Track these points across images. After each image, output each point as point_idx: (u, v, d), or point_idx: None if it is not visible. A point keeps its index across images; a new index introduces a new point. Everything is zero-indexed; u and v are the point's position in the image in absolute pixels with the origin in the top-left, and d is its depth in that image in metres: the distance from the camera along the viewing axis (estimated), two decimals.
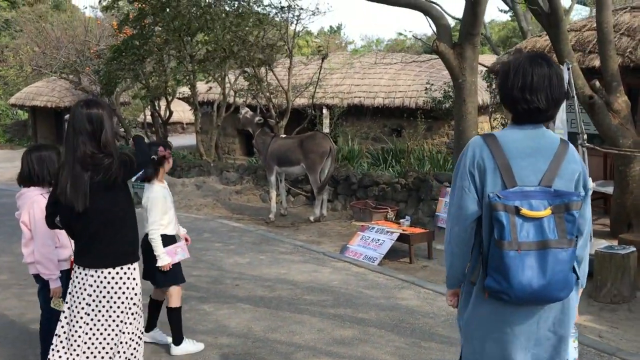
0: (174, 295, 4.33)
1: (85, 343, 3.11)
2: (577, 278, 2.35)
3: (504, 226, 2.19)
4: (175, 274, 4.31)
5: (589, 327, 4.90)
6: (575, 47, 8.36)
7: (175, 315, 4.34)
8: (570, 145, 2.41)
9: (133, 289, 3.19)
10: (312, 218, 9.26)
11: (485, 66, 11.99)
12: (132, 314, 3.19)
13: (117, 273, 3.12)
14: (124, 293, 3.14)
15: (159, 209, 4.22)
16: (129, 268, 3.17)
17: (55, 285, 3.65)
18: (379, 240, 7.09)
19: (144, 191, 4.31)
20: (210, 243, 7.82)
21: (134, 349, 3.22)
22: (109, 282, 3.10)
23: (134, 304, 3.20)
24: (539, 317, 2.31)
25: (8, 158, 21.44)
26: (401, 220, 7.54)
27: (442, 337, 4.64)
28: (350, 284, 6.06)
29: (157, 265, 4.18)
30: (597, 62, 7.85)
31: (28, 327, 4.88)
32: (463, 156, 2.39)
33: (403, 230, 7.12)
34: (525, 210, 2.19)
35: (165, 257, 4.18)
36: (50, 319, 3.73)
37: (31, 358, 4.31)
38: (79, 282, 3.10)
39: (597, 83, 6.56)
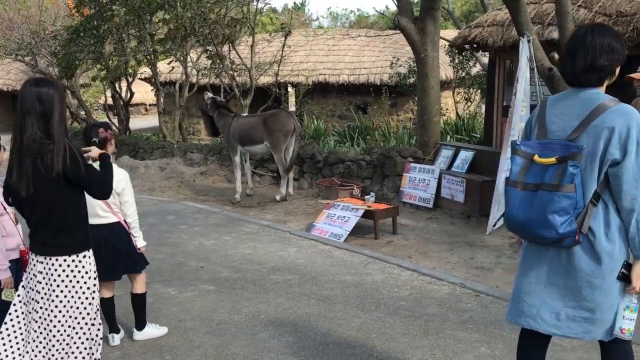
0: (142, 281, 4.26)
1: (37, 334, 2.99)
2: (580, 231, 2.49)
3: (511, 167, 2.61)
4: (144, 257, 4.25)
5: None
6: (535, 19, 8.40)
7: (141, 300, 4.27)
8: (616, 107, 2.49)
9: (85, 282, 2.98)
10: (278, 197, 9.21)
11: (447, 41, 12.01)
12: (84, 308, 2.98)
13: (65, 260, 2.94)
14: (71, 282, 2.95)
15: (131, 188, 4.13)
16: (77, 256, 2.97)
17: (4, 275, 3.53)
18: (344, 217, 7.09)
19: None
20: (175, 225, 7.72)
21: (85, 348, 3.01)
22: (55, 270, 2.93)
23: (86, 298, 2.98)
24: (550, 262, 2.61)
25: None
26: (366, 197, 7.55)
27: (407, 312, 4.67)
28: (316, 262, 6.06)
29: (136, 248, 4.14)
30: (555, 35, 7.91)
31: None
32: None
33: (368, 207, 7.13)
34: (536, 157, 2.53)
35: (142, 238, 4.19)
36: (4, 311, 3.62)
37: None
38: (31, 269, 2.99)
39: (556, 55, 6.60)
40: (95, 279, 3.04)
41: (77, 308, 2.97)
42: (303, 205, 8.97)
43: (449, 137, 12.17)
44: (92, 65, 15.51)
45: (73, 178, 2.87)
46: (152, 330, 4.34)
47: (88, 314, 3.00)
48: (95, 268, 3.07)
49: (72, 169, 2.85)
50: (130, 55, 13.43)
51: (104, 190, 3.05)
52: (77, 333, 2.99)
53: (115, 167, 4.07)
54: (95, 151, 3.17)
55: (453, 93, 15.15)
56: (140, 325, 4.29)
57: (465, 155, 7.86)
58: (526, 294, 2.68)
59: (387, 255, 6.21)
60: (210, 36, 12.16)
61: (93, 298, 3.02)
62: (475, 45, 9.75)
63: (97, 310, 3.07)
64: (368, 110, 14.69)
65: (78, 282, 2.96)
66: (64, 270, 2.93)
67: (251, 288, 5.33)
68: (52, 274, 2.93)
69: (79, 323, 2.99)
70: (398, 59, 14.36)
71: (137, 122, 22.84)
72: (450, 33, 15.84)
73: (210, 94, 9.75)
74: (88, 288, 2.99)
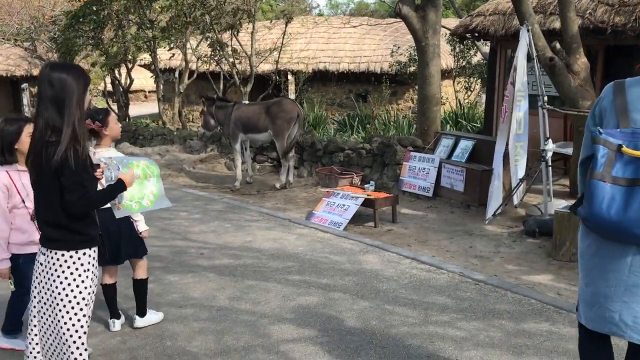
0: (143, 266, 4.27)
1: (47, 326, 2.96)
2: None
3: (597, 158, 2.34)
4: (144, 243, 4.27)
5: (548, 286, 5.02)
6: (536, 8, 8.38)
7: (143, 286, 4.28)
8: None
9: (82, 280, 2.87)
10: (278, 185, 9.22)
11: (448, 29, 11.97)
12: (77, 303, 2.87)
13: (63, 255, 2.84)
14: (67, 279, 2.84)
15: None
16: (76, 252, 2.85)
17: (2, 266, 3.61)
18: (344, 205, 7.11)
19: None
20: (175, 212, 7.73)
21: (65, 352, 2.90)
22: (54, 264, 2.85)
23: (80, 292, 2.87)
24: (631, 262, 2.36)
25: None
26: (366, 186, 7.56)
27: (406, 300, 4.69)
28: (316, 250, 6.08)
29: (138, 233, 4.16)
30: (557, 24, 7.88)
31: None
32: (597, 99, 2.56)
33: (367, 195, 7.14)
34: (626, 148, 2.30)
35: (143, 223, 4.19)
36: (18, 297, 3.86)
37: None
38: (37, 259, 2.95)
39: (558, 45, 6.59)
40: (92, 278, 2.94)
41: (70, 302, 2.86)
42: (303, 194, 8.97)
43: (448, 126, 12.17)
44: (91, 51, 15.44)
45: (59, 171, 2.70)
46: (152, 317, 4.36)
47: (81, 309, 2.90)
48: (95, 266, 2.98)
49: (62, 162, 2.68)
50: (130, 41, 13.37)
51: (79, 207, 2.78)
52: (68, 329, 2.89)
53: (115, 151, 4.07)
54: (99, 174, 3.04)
55: (453, 82, 15.12)
56: (142, 312, 4.31)
57: (466, 145, 7.85)
58: (607, 298, 2.43)
59: (387, 244, 6.23)
60: (211, 24, 12.09)
61: (88, 293, 2.91)
62: (476, 34, 9.73)
63: (87, 305, 2.94)
64: (368, 99, 14.66)
65: (75, 279, 2.86)
66: (60, 265, 2.84)
67: (251, 275, 5.35)
68: (50, 267, 2.86)
69: (70, 319, 2.88)
70: (399, 47, 14.30)
71: (137, 109, 22.79)
72: (451, 22, 15.78)
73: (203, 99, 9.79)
74: (85, 287, 2.89)
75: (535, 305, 4.56)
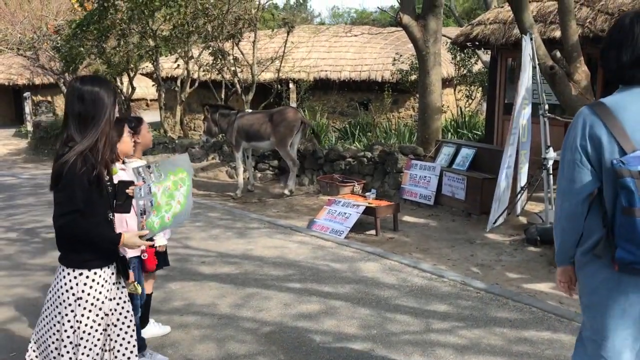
0: (151, 282, 4.20)
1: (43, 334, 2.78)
2: None
3: (633, 192, 2.06)
4: (165, 257, 4.18)
5: (550, 294, 5.02)
6: (537, 17, 8.42)
7: (149, 300, 4.20)
8: None
9: (86, 300, 2.64)
10: (286, 191, 9.21)
11: (449, 38, 12.02)
12: (71, 334, 2.64)
13: (69, 274, 2.65)
14: (68, 298, 2.64)
15: None
16: (82, 272, 2.64)
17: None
18: (345, 213, 7.11)
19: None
20: None
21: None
22: (61, 280, 2.66)
23: (82, 315, 2.63)
24: None
25: None
26: (367, 194, 7.57)
27: (407, 308, 4.69)
28: (317, 258, 6.08)
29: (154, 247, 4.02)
30: (557, 33, 7.92)
31: None
32: (572, 129, 2.29)
33: (369, 203, 7.15)
34: None
35: (161, 236, 4.00)
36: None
37: None
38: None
39: (558, 53, 6.61)
40: (98, 301, 2.68)
41: (69, 321, 2.65)
42: (304, 202, 8.98)
43: (450, 134, 12.19)
44: (94, 60, 15.50)
45: (56, 179, 2.52)
46: (154, 329, 4.33)
47: (74, 333, 2.66)
48: (105, 290, 2.71)
49: (59, 169, 2.50)
50: (133, 50, 13.43)
51: (58, 225, 2.53)
52: (56, 348, 2.70)
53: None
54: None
55: (454, 90, 15.16)
56: (144, 324, 4.29)
57: (467, 153, 7.87)
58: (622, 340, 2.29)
59: (388, 252, 6.23)
60: (213, 33, 12.15)
61: (89, 317, 2.67)
62: (477, 43, 9.77)
63: (84, 334, 2.67)
64: (369, 107, 14.69)
65: (69, 299, 2.64)
66: (65, 284, 2.64)
67: (252, 283, 5.35)
68: (57, 282, 2.69)
69: (57, 339, 2.69)
70: (401, 56, 14.35)
71: None
72: (451, 30, 15.85)
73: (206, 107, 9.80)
74: (91, 307, 2.67)
75: (536, 313, 4.56)
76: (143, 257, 3.84)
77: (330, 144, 11.87)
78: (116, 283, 2.79)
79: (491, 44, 9.30)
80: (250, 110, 10.39)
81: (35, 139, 17.03)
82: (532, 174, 7.44)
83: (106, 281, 2.71)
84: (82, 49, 13.39)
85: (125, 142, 3.58)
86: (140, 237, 2.74)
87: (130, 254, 3.64)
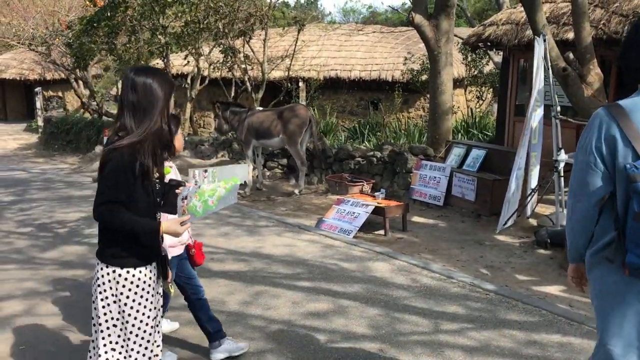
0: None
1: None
2: None
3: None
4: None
5: (560, 297, 4.99)
6: (550, 19, 8.36)
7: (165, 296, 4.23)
8: None
9: (123, 299, 2.58)
10: (297, 191, 9.21)
11: (461, 38, 11.97)
12: (99, 323, 2.61)
13: (102, 269, 2.59)
14: (108, 297, 2.59)
15: None
16: (107, 267, 2.57)
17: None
18: (354, 213, 7.10)
19: None
20: None
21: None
22: (99, 278, 2.61)
23: (105, 313, 2.59)
24: None
25: None
26: (376, 193, 7.55)
27: (416, 309, 4.68)
28: (326, 257, 6.08)
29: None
30: (571, 35, 7.87)
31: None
32: (587, 131, 2.27)
33: (378, 203, 7.13)
34: None
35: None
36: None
37: None
38: None
39: (571, 55, 6.58)
40: (141, 299, 2.60)
41: (99, 317, 2.62)
42: (313, 200, 8.98)
43: (460, 135, 12.15)
44: (105, 56, 15.55)
45: (101, 167, 2.47)
46: (163, 325, 4.34)
47: (108, 328, 2.63)
48: (141, 290, 2.60)
49: (106, 157, 2.45)
50: (144, 47, 13.45)
51: (96, 214, 2.47)
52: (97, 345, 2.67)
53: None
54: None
55: (465, 91, 15.10)
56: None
57: (477, 154, 7.84)
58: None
59: (397, 252, 6.22)
60: (224, 30, 12.16)
61: (110, 316, 2.62)
62: (489, 44, 9.72)
63: (114, 327, 2.63)
64: (379, 107, 14.66)
65: (102, 293, 2.60)
66: (99, 278, 2.60)
67: (261, 280, 5.35)
68: (96, 279, 2.62)
69: (96, 331, 2.66)
70: (412, 55, 14.31)
71: None
72: (462, 31, 15.78)
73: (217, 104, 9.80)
74: (107, 304, 2.61)
75: (546, 316, 4.53)
76: (192, 253, 3.85)
77: (339, 143, 11.86)
78: (153, 283, 2.67)
79: (503, 45, 9.26)
80: (260, 108, 10.39)
81: (46, 134, 17.13)
82: (543, 176, 7.40)
83: (141, 280, 2.59)
84: (92, 45, 13.43)
85: (178, 139, 3.58)
86: (182, 223, 2.59)
87: (173, 252, 3.61)
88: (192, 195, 2.64)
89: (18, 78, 22.74)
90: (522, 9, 7.73)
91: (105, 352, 2.64)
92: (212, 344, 3.87)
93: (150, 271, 2.64)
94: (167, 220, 2.60)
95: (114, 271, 2.55)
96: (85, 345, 4.04)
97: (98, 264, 2.61)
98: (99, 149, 13.38)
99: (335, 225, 7.10)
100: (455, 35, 11.59)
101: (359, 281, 5.33)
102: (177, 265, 3.73)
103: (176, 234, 2.61)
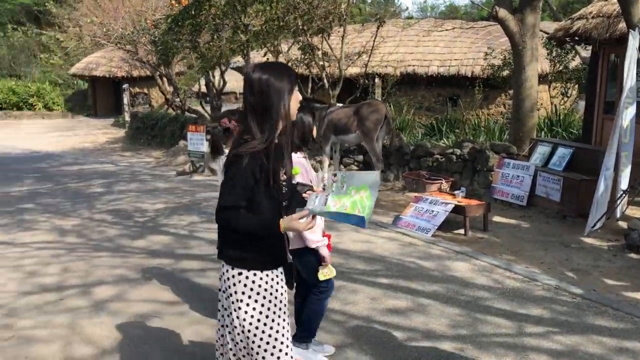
0: None
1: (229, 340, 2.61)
2: None
3: None
4: None
5: None
6: None
7: None
8: None
9: (250, 303, 2.46)
10: None
11: (546, 33, 11.53)
12: (240, 329, 2.48)
13: (228, 271, 2.50)
14: (238, 301, 2.48)
15: None
16: (232, 269, 2.47)
17: (326, 252, 3.53)
18: (432, 211, 7.01)
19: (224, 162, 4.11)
20: None
21: None
22: (226, 280, 2.51)
23: (237, 317, 2.47)
24: None
25: (69, 127, 22.26)
26: (456, 192, 7.41)
27: (499, 310, 4.57)
28: (404, 254, 6.04)
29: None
30: None
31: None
32: None
33: (458, 202, 7.01)
34: None
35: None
36: (324, 291, 3.73)
37: None
38: None
39: None
40: (270, 303, 2.49)
41: (233, 322, 2.51)
42: (389, 197, 8.94)
43: (543, 133, 11.72)
44: (188, 54, 16.08)
45: (224, 169, 2.39)
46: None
47: (243, 332, 2.50)
48: (268, 294, 2.49)
49: (230, 161, 2.36)
50: (225, 45, 13.81)
51: (218, 217, 2.40)
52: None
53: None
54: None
55: (549, 87, 14.53)
56: None
57: (563, 153, 7.54)
58: None
59: (478, 252, 6.09)
60: (303, 27, 12.29)
61: (248, 322, 2.47)
62: (576, 38, 9.30)
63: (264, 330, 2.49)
64: (458, 103, 14.37)
65: (240, 300, 2.47)
66: (226, 280, 2.50)
67: (339, 276, 5.35)
68: (223, 281, 2.54)
69: (243, 340, 2.53)
70: (493, 50, 13.93)
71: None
72: (546, 25, 15.18)
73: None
74: (246, 312, 2.47)
75: (638, 323, 4.31)
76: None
77: (415, 140, 11.73)
78: (281, 289, 2.54)
79: (593, 39, 8.83)
80: (340, 105, 10.43)
81: (132, 129, 17.95)
82: (635, 177, 7.03)
83: (268, 284, 2.48)
84: (176, 43, 13.92)
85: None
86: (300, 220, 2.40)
87: (318, 245, 3.54)
88: (321, 202, 2.41)
89: (107, 75, 23.94)
90: (615, 1, 7.35)
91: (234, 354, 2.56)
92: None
93: (277, 276, 2.53)
94: (285, 217, 2.41)
95: (239, 273, 2.46)
96: (169, 332, 4.22)
97: (223, 265, 2.52)
98: (182, 143, 13.88)
99: (413, 223, 7.04)
100: (540, 30, 11.19)
101: (438, 280, 5.27)
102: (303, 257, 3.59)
103: (296, 231, 2.48)
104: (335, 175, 2.46)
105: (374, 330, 4.24)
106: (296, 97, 2.44)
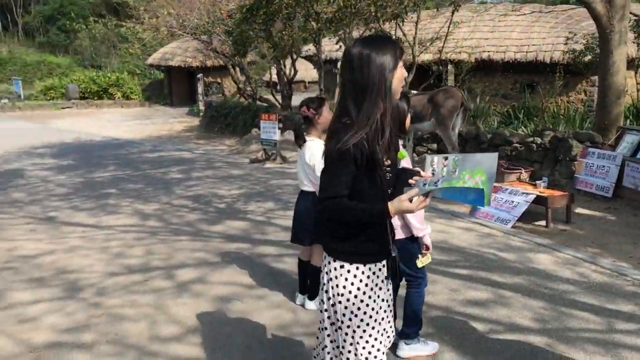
0: (318, 253, 4.28)
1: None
2: None
3: None
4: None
5: None
6: None
7: (316, 272, 4.28)
8: None
9: (349, 299, 2.32)
10: None
11: (635, 15, 10.89)
12: (348, 326, 2.33)
13: (330, 263, 2.35)
14: (337, 295, 2.34)
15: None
16: (334, 261, 2.32)
17: (428, 240, 3.51)
18: (512, 202, 6.80)
19: (305, 150, 4.14)
20: None
21: None
22: (327, 273, 2.37)
23: (346, 315, 2.33)
24: None
25: (146, 115, 23.09)
26: (537, 182, 7.15)
27: (585, 305, 4.38)
28: (482, 245, 5.89)
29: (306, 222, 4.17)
30: None
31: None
32: None
33: (540, 192, 6.75)
34: None
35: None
36: (421, 283, 3.71)
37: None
38: None
39: None
40: (369, 299, 2.33)
41: (342, 321, 2.35)
42: None
43: (629, 121, 11.11)
44: (261, 44, 16.25)
45: (324, 157, 2.22)
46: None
47: (352, 322, 2.34)
48: (369, 289, 2.33)
49: (327, 149, 2.18)
50: (298, 33, 13.86)
51: (319, 209, 2.22)
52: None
53: (315, 142, 4.07)
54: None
55: (635, 73, 13.75)
56: (313, 296, 4.42)
57: None
58: None
59: (561, 245, 5.86)
60: (376, 14, 12.16)
61: (354, 320, 2.33)
62: None
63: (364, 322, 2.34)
64: (536, 90, 13.83)
65: (341, 294, 2.32)
66: (330, 272, 2.35)
67: None
68: (326, 273, 2.38)
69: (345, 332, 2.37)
70: (574, 35, 13.30)
71: (297, 99, 23.68)
72: (633, 7, 14.33)
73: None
74: (355, 302, 2.32)
75: None
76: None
77: (491, 128, 11.39)
78: (381, 283, 2.38)
79: None
80: (414, 92, 10.28)
81: (207, 117, 18.38)
82: None
83: (369, 278, 2.33)
84: (251, 32, 14.09)
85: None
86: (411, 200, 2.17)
87: (425, 233, 3.52)
88: (430, 186, 2.20)
89: (182, 65, 24.62)
90: None
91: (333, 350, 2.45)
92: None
93: (380, 269, 2.36)
94: (393, 200, 2.17)
95: (341, 266, 2.30)
96: (249, 314, 4.29)
97: (325, 257, 2.37)
98: (254, 132, 14.09)
99: (492, 213, 6.85)
100: (630, 12, 10.57)
101: (520, 272, 5.11)
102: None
103: (408, 212, 2.18)
104: (446, 158, 2.21)
105: (454, 321, 4.16)
106: (400, 75, 2.17)
